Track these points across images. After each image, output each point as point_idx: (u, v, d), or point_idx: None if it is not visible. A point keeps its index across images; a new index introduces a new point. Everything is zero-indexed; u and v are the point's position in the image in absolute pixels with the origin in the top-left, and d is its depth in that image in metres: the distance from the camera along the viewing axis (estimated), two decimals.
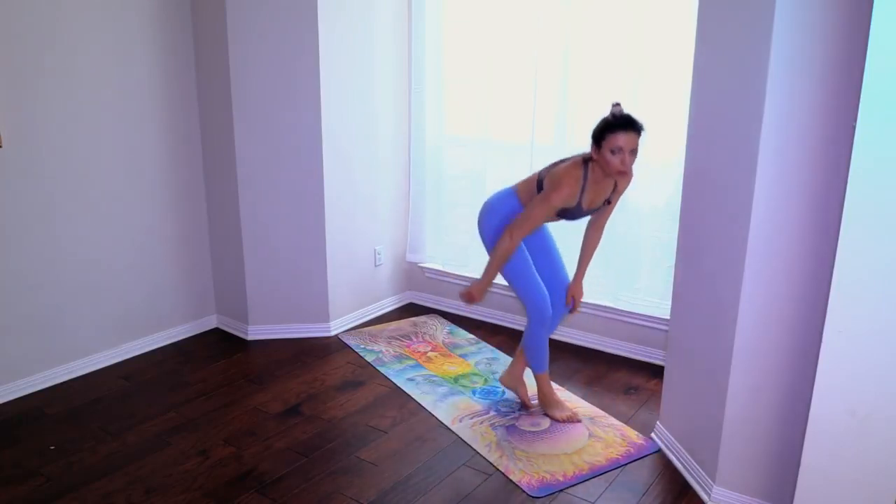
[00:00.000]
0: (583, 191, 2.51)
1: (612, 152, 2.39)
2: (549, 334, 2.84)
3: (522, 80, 3.46)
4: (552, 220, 2.66)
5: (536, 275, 2.73)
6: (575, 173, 2.50)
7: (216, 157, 3.49)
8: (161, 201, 3.40)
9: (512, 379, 2.99)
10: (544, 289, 2.73)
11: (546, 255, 2.82)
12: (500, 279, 2.79)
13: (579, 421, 2.81)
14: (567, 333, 3.61)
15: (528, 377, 3.01)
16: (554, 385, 3.09)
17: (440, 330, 3.76)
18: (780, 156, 1.97)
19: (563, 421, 2.81)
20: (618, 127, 2.37)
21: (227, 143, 3.40)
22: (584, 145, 3.52)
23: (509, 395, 3.03)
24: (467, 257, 3.91)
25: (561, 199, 2.48)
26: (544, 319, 2.72)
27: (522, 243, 2.70)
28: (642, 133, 2.42)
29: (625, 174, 2.48)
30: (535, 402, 2.94)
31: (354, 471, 2.49)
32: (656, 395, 2.98)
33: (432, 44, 3.76)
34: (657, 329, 3.32)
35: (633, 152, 2.41)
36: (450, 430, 2.76)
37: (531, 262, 2.73)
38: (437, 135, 3.90)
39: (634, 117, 2.41)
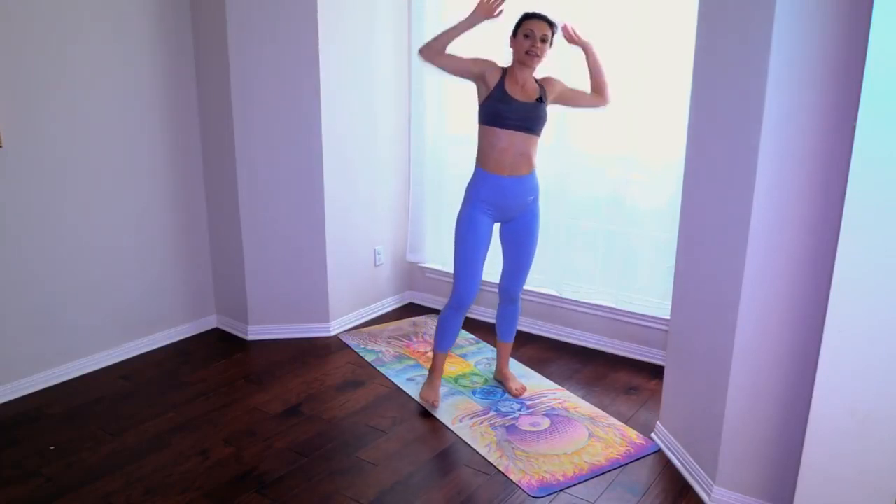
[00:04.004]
0: (503, 77, 2.72)
1: (526, 36, 2.68)
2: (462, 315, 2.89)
3: None
4: (497, 121, 2.76)
5: (479, 263, 2.79)
6: (495, 63, 2.77)
7: (216, 157, 3.49)
8: (161, 201, 3.40)
9: (498, 373, 3.15)
10: (477, 281, 2.80)
11: (517, 250, 2.89)
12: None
13: (434, 407, 2.90)
14: (567, 333, 3.61)
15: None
16: (554, 385, 3.11)
17: None
18: (780, 156, 1.96)
19: (423, 400, 2.92)
20: (531, 16, 2.71)
21: (226, 143, 3.40)
22: (585, 145, 3.51)
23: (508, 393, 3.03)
24: None
25: (479, 64, 2.73)
26: (460, 307, 2.84)
27: (499, 232, 2.87)
28: (555, 29, 2.72)
29: (532, 57, 2.68)
30: (518, 390, 3.03)
31: (354, 471, 2.49)
32: (656, 395, 2.98)
33: None
34: (657, 329, 3.32)
35: (544, 41, 2.68)
36: (450, 430, 2.76)
37: (483, 250, 2.80)
38: (438, 134, 3.90)
39: (547, 14, 2.73)
